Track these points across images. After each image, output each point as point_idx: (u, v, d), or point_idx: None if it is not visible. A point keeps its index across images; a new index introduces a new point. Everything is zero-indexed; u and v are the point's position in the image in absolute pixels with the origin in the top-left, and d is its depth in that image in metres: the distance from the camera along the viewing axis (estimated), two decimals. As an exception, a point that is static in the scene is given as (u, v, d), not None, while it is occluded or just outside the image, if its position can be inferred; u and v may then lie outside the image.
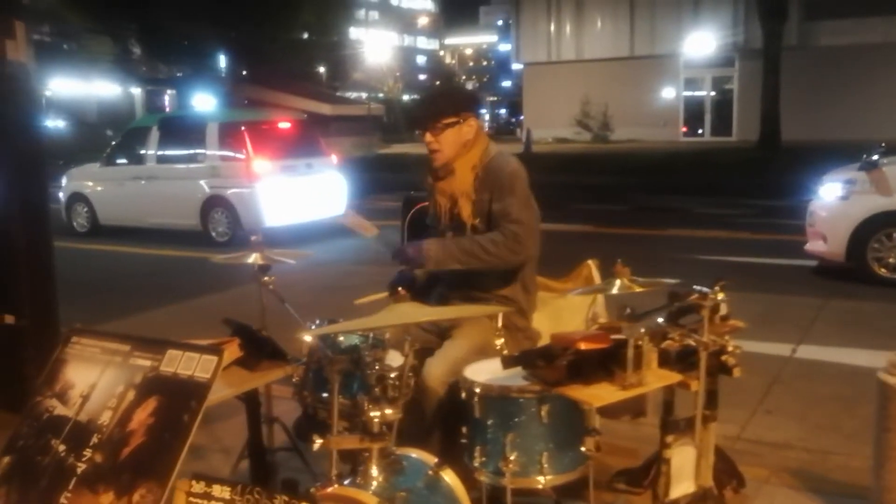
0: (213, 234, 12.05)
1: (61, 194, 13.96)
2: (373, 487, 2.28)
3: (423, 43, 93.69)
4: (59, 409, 2.37)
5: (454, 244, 3.11)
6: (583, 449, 2.56)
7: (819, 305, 7.14)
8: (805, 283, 8.24)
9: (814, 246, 8.28)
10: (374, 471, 2.30)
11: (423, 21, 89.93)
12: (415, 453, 2.53)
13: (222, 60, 36.27)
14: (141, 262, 11.36)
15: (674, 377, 2.42)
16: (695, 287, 2.48)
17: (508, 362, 2.35)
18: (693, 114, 31.91)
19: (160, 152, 12.71)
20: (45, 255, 4.61)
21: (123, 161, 13.27)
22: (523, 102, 35.44)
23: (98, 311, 7.46)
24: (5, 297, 4.49)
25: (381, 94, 52.61)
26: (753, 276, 8.67)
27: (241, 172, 11.73)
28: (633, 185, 17.98)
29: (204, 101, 31.73)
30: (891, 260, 7.84)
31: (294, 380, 2.55)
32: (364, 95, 47.69)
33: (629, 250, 10.41)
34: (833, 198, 8.14)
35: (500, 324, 2.83)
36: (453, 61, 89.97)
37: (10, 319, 4.44)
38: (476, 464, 2.51)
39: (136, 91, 41.94)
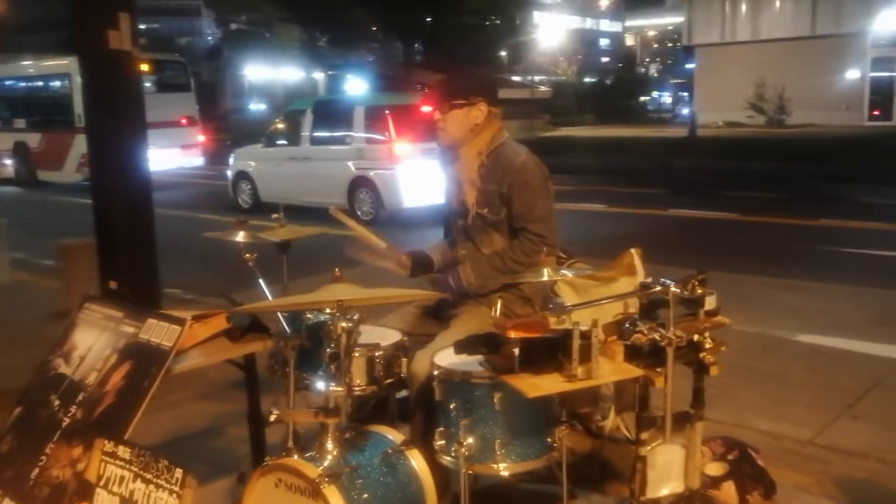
0: (359, 212, 12.52)
1: (229, 172, 15.01)
2: (326, 461, 2.37)
3: (606, 25, 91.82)
4: (62, 368, 2.64)
5: (488, 267, 3.09)
6: (549, 440, 2.53)
7: (955, 310, 6.50)
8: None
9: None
10: (329, 445, 2.39)
11: (605, 3, 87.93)
12: (389, 433, 2.61)
13: (398, 47, 37.30)
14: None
15: (633, 372, 2.34)
16: (662, 280, 2.38)
17: (457, 348, 2.36)
18: (881, 96, 29.43)
19: (313, 134, 13.34)
20: (146, 227, 5.03)
21: (282, 142, 14.03)
22: (694, 85, 34.13)
23: (231, 282, 8.01)
24: (110, 265, 4.94)
25: (560, 77, 52.29)
26: (891, 271, 8.05)
27: (384, 154, 12.12)
28: (798, 171, 16.99)
29: (362, 85, 32.76)
30: None
31: (269, 353, 2.69)
32: (536, 79, 47.50)
33: (763, 240, 10.01)
34: None
35: (496, 312, 2.83)
36: (635, 44, 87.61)
37: (113, 285, 4.89)
38: (437, 447, 2.55)
39: (319, 76, 44.03)
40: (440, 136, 3.23)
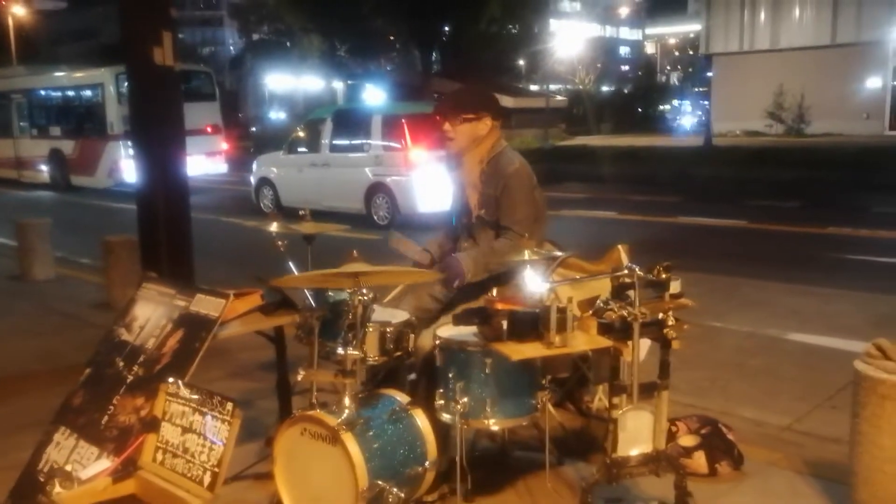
0: (375, 217, 13.05)
1: (252, 178, 15.55)
2: (344, 414, 2.82)
3: (626, 33, 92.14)
4: (125, 336, 3.14)
5: (482, 259, 3.49)
6: (533, 402, 2.97)
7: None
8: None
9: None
10: (347, 401, 2.85)
11: (625, 11, 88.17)
12: (397, 395, 3.07)
13: (416, 56, 37.84)
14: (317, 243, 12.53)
15: (603, 342, 2.78)
16: (629, 265, 2.82)
17: (455, 319, 2.82)
18: (902, 106, 29.58)
19: (333, 142, 13.87)
20: (184, 225, 5.53)
21: (303, 149, 14.57)
22: (711, 94, 34.41)
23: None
24: (151, 258, 5.44)
25: (578, 86, 52.61)
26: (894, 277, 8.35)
27: (399, 161, 12.62)
28: (814, 180, 17.21)
29: (380, 95, 33.37)
30: None
31: (297, 325, 3.17)
32: (554, 87, 47.88)
33: (769, 247, 10.34)
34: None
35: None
36: (655, 52, 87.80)
37: (153, 275, 5.38)
38: (437, 405, 3.01)
39: (339, 85, 44.68)
40: (448, 145, 3.68)
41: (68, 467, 2.72)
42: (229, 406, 2.41)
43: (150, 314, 3.10)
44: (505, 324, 2.71)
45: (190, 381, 2.68)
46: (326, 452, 2.75)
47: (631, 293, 2.87)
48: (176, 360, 2.81)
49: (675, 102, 65.81)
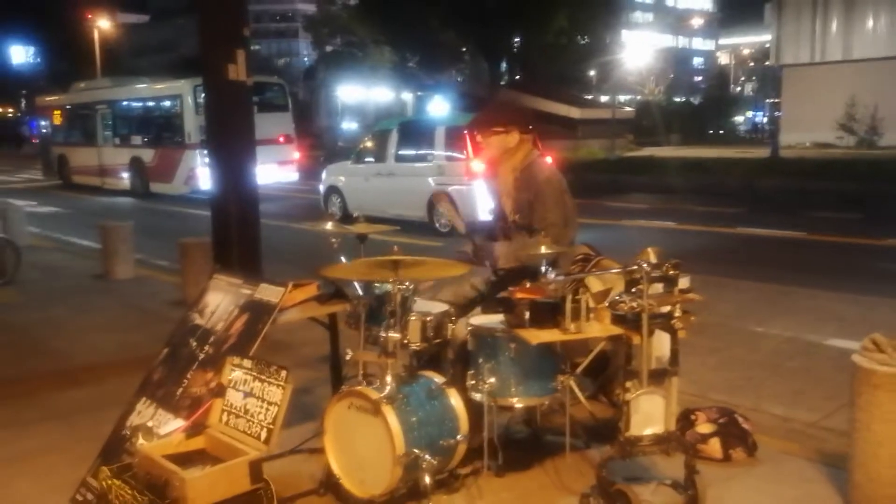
0: (437, 225, 13.46)
1: (321, 186, 16.16)
2: (386, 390, 3.22)
3: (699, 44, 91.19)
4: (198, 320, 3.60)
5: (513, 250, 3.91)
6: (552, 384, 3.33)
7: None
8: None
9: None
10: (388, 379, 3.24)
11: (698, 22, 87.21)
12: (434, 376, 3.46)
13: (484, 67, 38.30)
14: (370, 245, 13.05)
15: (614, 330, 3.12)
16: (638, 262, 3.14)
17: (483, 308, 3.20)
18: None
19: (398, 152, 14.37)
20: (254, 228, 6.01)
21: (369, 159, 15.12)
22: (781, 105, 33.90)
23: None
24: (224, 258, 5.93)
25: (648, 97, 52.31)
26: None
27: (461, 171, 13.02)
28: (880, 192, 16.93)
29: (446, 106, 33.91)
30: None
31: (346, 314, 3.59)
32: (623, 98, 47.74)
33: (824, 257, 10.39)
34: None
35: (523, 288, 3.66)
36: (729, 63, 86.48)
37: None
38: (468, 385, 3.39)
39: (408, 97, 45.47)
40: (484, 157, 4.09)
41: (149, 423, 3.20)
42: (283, 373, 2.85)
43: (220, 301, 3.57)
44: (527, 312, 3.07)
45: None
46: (369, 423, 3.15)
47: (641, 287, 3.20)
48: (240, 341, 3.26)
49: (749, 113, 64.67)
